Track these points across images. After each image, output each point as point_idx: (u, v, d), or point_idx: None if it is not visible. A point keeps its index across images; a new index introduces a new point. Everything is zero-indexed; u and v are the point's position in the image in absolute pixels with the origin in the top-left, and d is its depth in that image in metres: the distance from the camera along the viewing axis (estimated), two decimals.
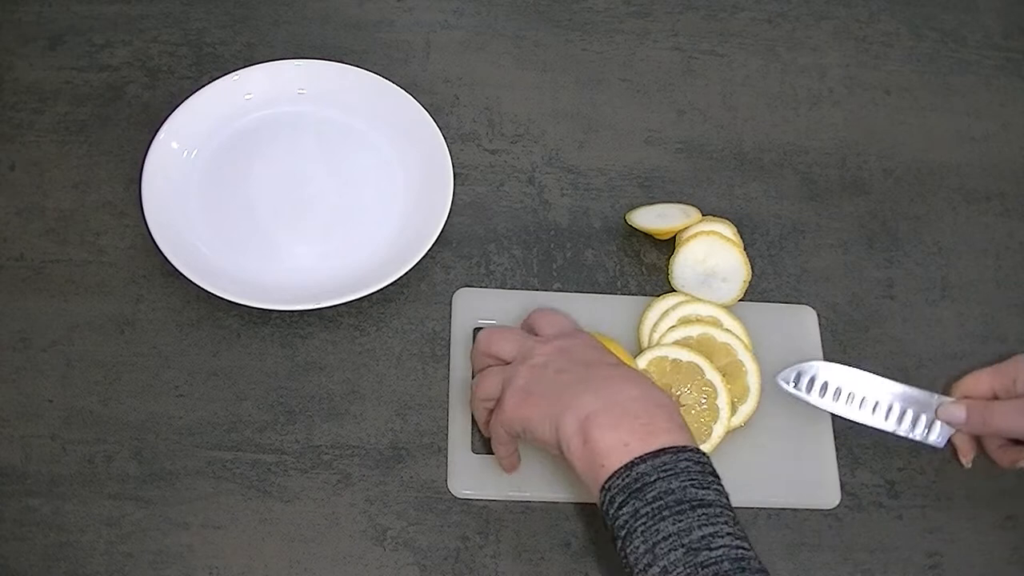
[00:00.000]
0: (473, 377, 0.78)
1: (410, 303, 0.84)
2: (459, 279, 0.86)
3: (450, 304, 0.84)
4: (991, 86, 1.01)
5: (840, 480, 0.80)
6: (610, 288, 0.87)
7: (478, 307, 0.84)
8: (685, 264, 0.85)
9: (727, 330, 0.80)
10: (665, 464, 0.62)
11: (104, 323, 0.82)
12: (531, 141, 0.93)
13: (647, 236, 0.88)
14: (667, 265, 0.86)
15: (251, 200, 0.86)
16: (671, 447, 0.62)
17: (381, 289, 0.81)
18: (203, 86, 0.88)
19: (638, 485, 0.61)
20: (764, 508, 0.80)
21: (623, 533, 0.61)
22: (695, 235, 0.85)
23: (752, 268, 0.85)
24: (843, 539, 0.80)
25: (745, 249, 0.85)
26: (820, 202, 0.93)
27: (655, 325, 0.82)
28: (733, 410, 0.79)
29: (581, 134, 0.94)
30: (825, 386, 0.80)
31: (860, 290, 0.89)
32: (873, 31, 1.02)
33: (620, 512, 0.61)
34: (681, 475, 0.61)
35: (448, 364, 0.82)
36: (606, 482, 0.63)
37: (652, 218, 0.88)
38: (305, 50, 0.93)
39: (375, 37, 0.96)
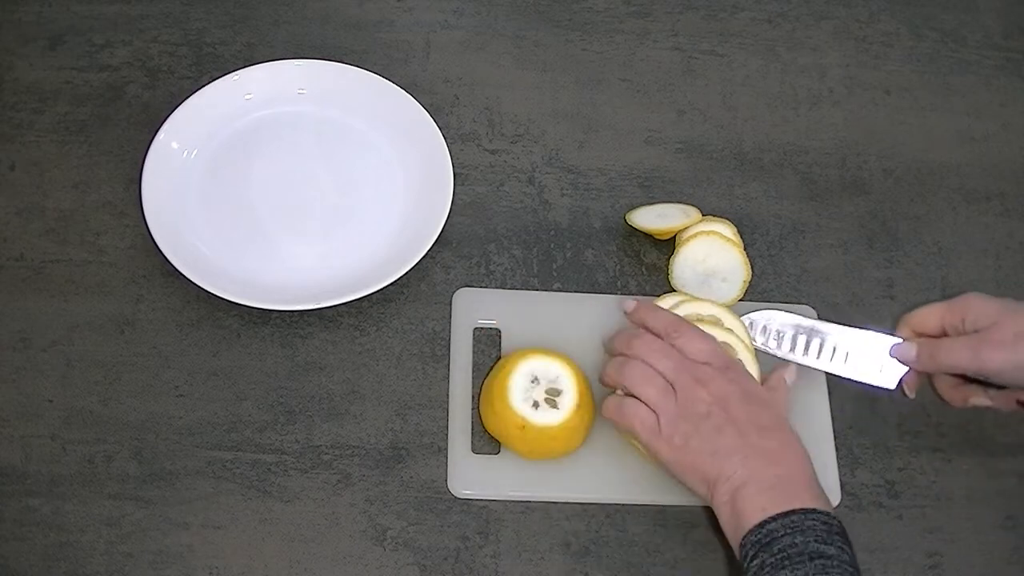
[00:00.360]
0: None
1: (410, 303, 0.84)
2: (459, 279, 0.86)
3: (450, 304, 0.84)
4: (991, 86, 1.01)
5: (840, 480, 0.80)
6: (610, 288, 0.87)
7: (478, 307, 0.84)
8: (685, 264, 0.85)
9: (728, 329, 0.80)
10: (793, 522, 0.67)
11: (104, 323, 0.82)
12: (531, 141, 0.93)
13: (647, 236, 0.88)
14: (667, 265, 0.86)
15: (251, 200, 0.86)
16: (801, 508, 0.68)
17: (381, 289, 0.81)
18: (203, 86, 0.88)
19: (767, 540, 0.67)
20: None
21: None
22: (695, 235, 0.85)
23: (752, 268, 0.85)
24: None
25: (745, 249, 0.85)
26: (820, 202, 0.93)
27: None
28: None
29: (581, 134, 0.94)
30: (778, 335, 0.81)
31: (860, 290, 0.89)
32: (873, 31, 1.02)
33: (751, 564, 0.67)
34: (807, 532, 0.67)
35: (448, 364, 0.82)
36: (744, 538, 0.68)
37: (652, 218, 0.88)
38: (305, 50, 0.93)
39: (375, 37, 0.96)
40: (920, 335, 0.78)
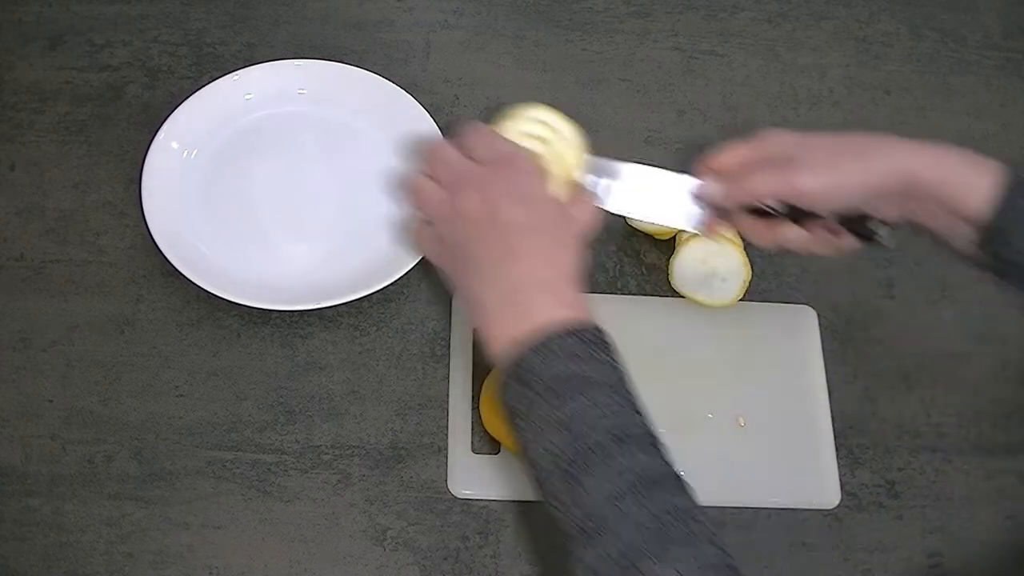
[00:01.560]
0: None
1: (410, 303, 0.84)
2: None
3: (450, 304, 0.84)
4: (991, 86, 1.01)
5: (840, 480, 0.80)
6: (610, 288, 0.87)
7: None
8: (685, 264, 0.85)
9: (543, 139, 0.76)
10: (551, 349, 0.62)
11: (104, 323, 0.82)
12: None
13: (647, 236, 0.88)
14: (667, 265, 0.86)
15: (251, 200, 0.86)
16: (555, 332, 0.63)
17: (381, 289, 0.81)
18: (203, 86, 0.88)
19: (526, 376, 0.62)
20: (764, 508, 0.80)
21: (513, 419, 0.63)
22: (695, 235, 0.85)
23: (752, 268, 0.85)
24: (843, 539, 0.80)
25: (745, 249, 0.85)
26: None
27: None
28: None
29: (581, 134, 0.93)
30: (591, 180, 0.75)
31: (860, 290, 0.89)
32: (873, 31, 1.02)
33: (511, 401, 0.63)
34: (566, 358, 0.62)
35: (448, 364, 0.82)
36: (503, 376, 0.64)
37: None
38: (305, 50, 0.93)
39: (375, 37, 0.96)
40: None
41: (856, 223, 0.71)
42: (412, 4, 0.98)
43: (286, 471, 0.78)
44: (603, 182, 0.75)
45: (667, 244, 0.87)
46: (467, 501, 0.78)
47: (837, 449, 0.82)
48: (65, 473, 0.76)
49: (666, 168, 0.75)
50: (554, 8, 1.00)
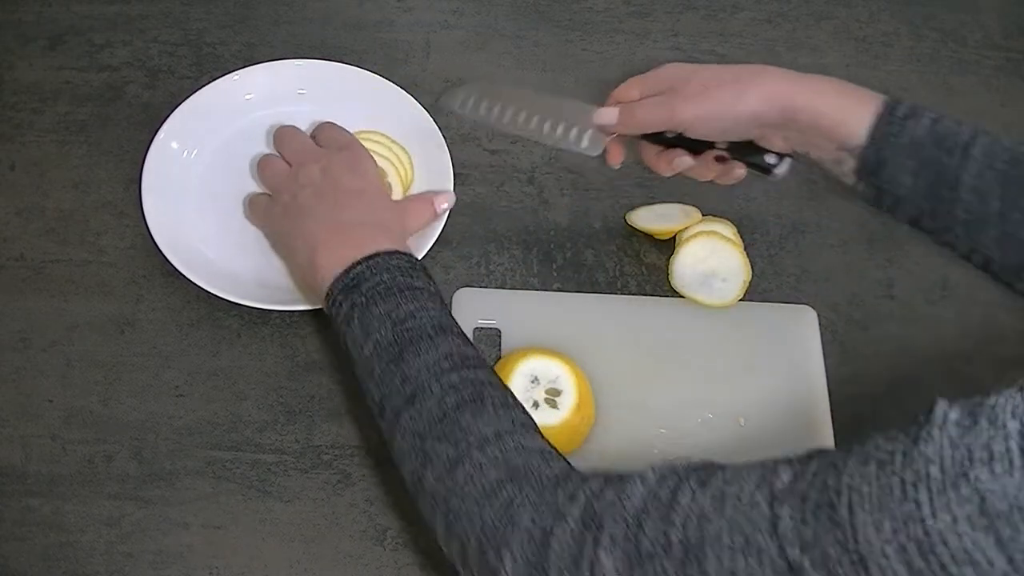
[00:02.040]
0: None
1: None
2: (459, 279, 0.86)
3: (450, 304, 0.84)
4: (991, 86, 1.01)
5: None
6: (610, 288, 0.87)
7: (478, 307, 0.84)
8: (685, 264, 0.85)
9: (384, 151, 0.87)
10: (377, 263, 0.70)
11: (104, 323, 0.82)
12: (531, 141, 0.92)
13: (647, 236, 0.88)
14: (667, 265, 0.86)
15: None
16: (383, 251, 0.71)
17: None
18: (203, 86, 0.88)
19: (354, 283, 0.69)
20: None
21: (343, 326, 0.69)
22: (695, 235, 0.85)
23: (752, 268, 0.85)
24: None
25: (745, 249, 0.85)
26: (820, 202, 0.93)
27: None
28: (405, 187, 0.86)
29: None
30: (487, 106, 0.82)
31: (860, 290, 0.89)
32: (873, 31, 1.02)
33: (340, 309, 0.70)
34: (392, 270, 0.70)
35: None
36: (329, 290, 0.71)
37: (652, 218, 0.88)
38: (305, 50, 0.93)
39: (375, 37, 0.96)
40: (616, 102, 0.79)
41: (745, 152, 0.75)
42: (412, 4, 0.98)
43: (286, 471, 0.78)
44: (498, 107, 0.81)
45: (667, 244, 0.87)
46: None
47: (837, 449, 0.81)
48: (65, 473, 0.76)
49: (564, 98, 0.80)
50: (554, 8, 1.00)
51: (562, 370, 0.77)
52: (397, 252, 0.71)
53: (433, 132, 0.87)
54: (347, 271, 0.70)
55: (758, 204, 0.92)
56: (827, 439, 0.82)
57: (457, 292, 0.85)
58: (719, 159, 0.77)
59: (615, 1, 1.01)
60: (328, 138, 0.85)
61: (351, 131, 0.86)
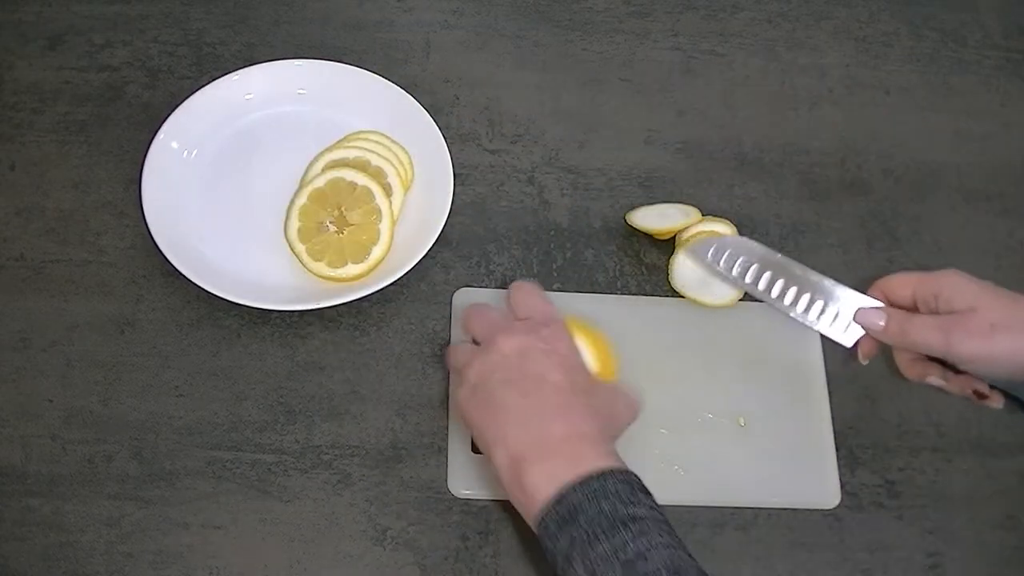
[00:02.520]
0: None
1: (410, 303, 0.84)
2: (459, 279, 0.86)
3: (450, 304, 0.84)
4: (991, 86, 1.01)
5: (840, 480, 0.80)
6: (610, 288, 0.87)
7: None
8: (685, 264, 0.85)
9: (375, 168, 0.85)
10: (595, 489, 0.63)
11: (104, 323, 0.82)
12: (531, 141, 0.93)
13: (647, 236, 0.88)
14: (667, 265, 0.86)
15: (251, 200, 0.86)
16: (596, 472, 0.63)
17: (381, 289, 0.81)
18: (203, 86, 0.88)
19: (570, 515, 0.62)
20: (764, 508, 0.80)
21: (564, 563, 0.62)
22: (695, 235, 0.85)
23: None
24: (843, 539, 0.80)
25: None
26: (820, 202, 0.93)
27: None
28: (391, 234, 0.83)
29: (581, 134, 0.94)
30: (742, 264, 0.77)
31: (860, 290, 0.89)
32: (873, 31, 1.02)
33: (557, 543, 0.63)
34: (611, 497, 0.62)
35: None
36: (542, 516, 0.64)
37: (652, 218, 0.88)
38: (305, 50, 0.93)
39: (375, 37, 0.96)
40: (891, 302, 0.73)
41: (1015, 387, 0.70)
42: (412, 4, 0.98)
43: (286, 471, 0.78)
44: (753, 268, 0.76)
45: (667, 244, 0.87)
46: (467, 501, 0.78)
47: (837, 449, 0.82)
48: (65, 473, 0.76)
49: (834, 279, 0.76)
50: (554, 8, 1.00)
51: (582, 342, 0.75)
52: (612, 471, 0.64)
53: (433, 132, 0.87)
54: (560, 498, 0.63)
55: (758, 204, 0.92)
56: (827, 439, 0.82)
57: (457, 292, 0.85)
58: (978, 393, 0.72)
59: (615, 1, 1.01)
60: (526, 307, 0.75)
61: (377, 139, 0.85)
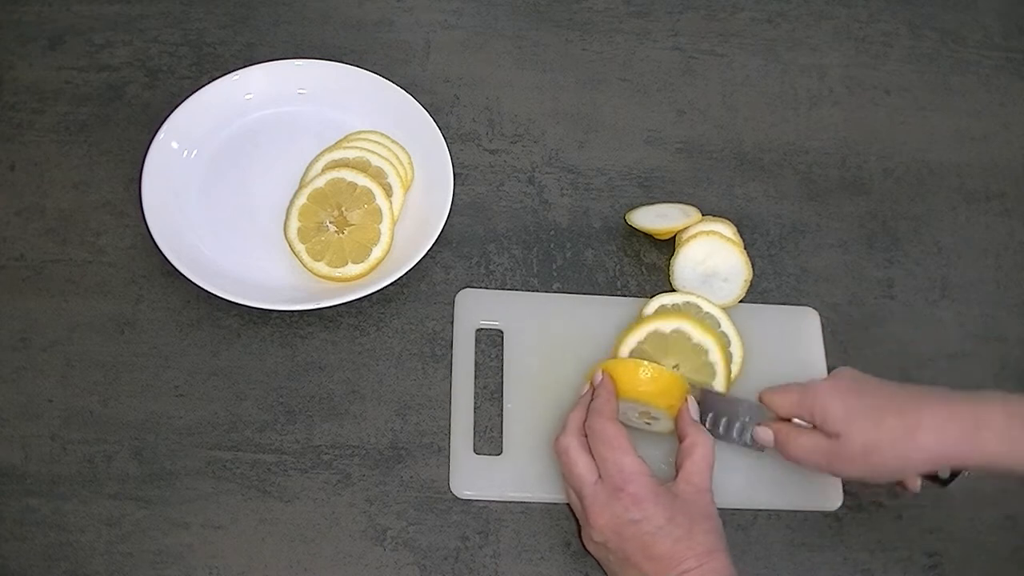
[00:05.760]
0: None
1: (410, 303, 0.84)
2: (459, 279, 0.86)
3: (452, 305, 0.84)
4: (991, 86, 1.01)
5: (841, 480, 0.80)
6: (610, 288, 0.87)
7: (481, 308, 0.84)
8: (685, 264, 0.85)
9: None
10: None
11: (104, 323, 0.82)
12: (531, 141, 0.93)
13: (647, 236, 0.88)
14: (667, 265, 0.86)
15: (251, 200, 0.86)
16: None
17: (381, 289, 0.81)
18: (203, 86, 0.88)
19: None
20: (764, 509, 0.80)
21: None
22: (695, 235, 0.85)
23: (753, 268, 0.85)
24: (843, 539, 0.80)
25: (745, 249, 0.85)
26: (820, 202, 0.93)
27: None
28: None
29: (581, 134, 0.94)
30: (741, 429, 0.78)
31: (860, 290, 0.89)
32: (873, 31, 1.02)
33: None
34: None
35: (449, 364, 0.82)
36: None
37: (652, 218, 0.88)
38: (305, 50, 0.93)
39: (375, 37, 0.96)
40: (779, 416, 0.76)
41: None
42: (412, 4, 0.98)
43: (286, 471, 0.78)
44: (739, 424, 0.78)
45: (667, 244, 0.87)
46: (467, 501, 0.78)
47: None
48: (65, 473, 0.76)
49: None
50: (554, 8, 1.00)
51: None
52: None
53: (433, 132, 0.87)
54: None
55: (758, 204, 0.92)
56: None
57: (459, 293, 0.85)
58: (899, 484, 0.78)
59: (615, 1, 1.01)
60: (603, 462, 0.73)
61: (375, 147, 0.85)
